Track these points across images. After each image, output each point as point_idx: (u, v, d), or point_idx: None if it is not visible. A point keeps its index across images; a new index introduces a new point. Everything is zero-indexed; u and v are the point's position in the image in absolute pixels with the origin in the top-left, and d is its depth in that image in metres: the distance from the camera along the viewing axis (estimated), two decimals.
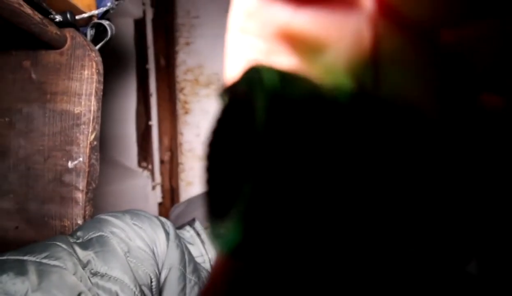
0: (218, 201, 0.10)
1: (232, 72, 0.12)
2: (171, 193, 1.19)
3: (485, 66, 0.10)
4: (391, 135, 0.09)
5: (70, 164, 0.53)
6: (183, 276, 0.44)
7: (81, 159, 0.53)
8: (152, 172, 1.17)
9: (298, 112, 0.09)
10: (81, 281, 0.36)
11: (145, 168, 1.17)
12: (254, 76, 0.09)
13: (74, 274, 0.36)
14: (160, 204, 1.19)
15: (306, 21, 0.11)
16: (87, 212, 0.54)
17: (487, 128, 0.10)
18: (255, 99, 0.09)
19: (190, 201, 0.82)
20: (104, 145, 0.88)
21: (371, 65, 0.10)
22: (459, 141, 0.10)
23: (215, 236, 0.09)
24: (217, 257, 0.12)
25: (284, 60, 0.11)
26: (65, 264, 0.37)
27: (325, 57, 0.11)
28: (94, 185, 0.54)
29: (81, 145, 0.53)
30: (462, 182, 0.10)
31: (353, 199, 0.09)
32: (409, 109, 0.10)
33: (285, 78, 0.09)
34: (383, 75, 0.10)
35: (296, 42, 0.11)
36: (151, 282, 0.41)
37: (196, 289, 0.44)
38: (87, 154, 0.53)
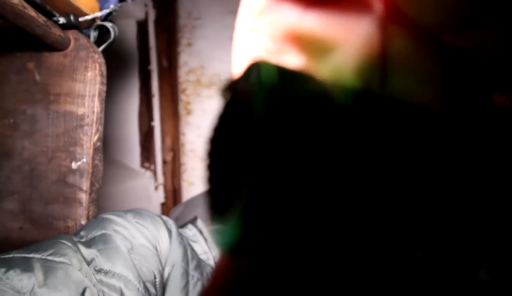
0: (220, 198, 0.10)
1: (239, 70, 0.12)
2: (173, 193, 1.19)
3: (491, 67, 0.10)
4: (396, 135, 0.09)
5: (74, 165, 0.54)
6: (186, 272, 0.44)
7: (84, 160, 0.53)
8: (154, 173, 1.17)
9: (297, 110, 0.09)
10: (86, 276, 0.37)
11: (147, 168, 1.17)
12: (253, 73, 0.09)
13: (79, 270, 0.37)
14: (162, 204, 1.19)
15: (315, 22, 0.11)
16: (90, 213, 0.54)
17: (495, 127, 0.10)
18: (254, 96, 0.09)
19: (188, 203, 0.82)
20: (107, 146, 0.89)
21: (379, 68, 0.10)
22: (467, 140, 0.10)
23: (216, 233, 0.10)
24: (220, 255, 0.12)
25: (292, 60, 0.11)
26: (70, 261, 0.37)
27: (333, 58, 0.11)
28: (97, 186, 0.55)
29: (84, 146, 0.54)
30: (471, 183, 0.10)
31: (351, 196, 0.09)
32: (416, 110, 0.10)
33: (285, 75, 0.09)
34: (391, 77, 0.10)
35: (304, 42, 0.11)
36: (155, 278, 0.42)
37: (199, 285, 0.45)
38: (91, 155, 0.53)
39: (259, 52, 0.12)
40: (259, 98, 0.09)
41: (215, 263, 0.51)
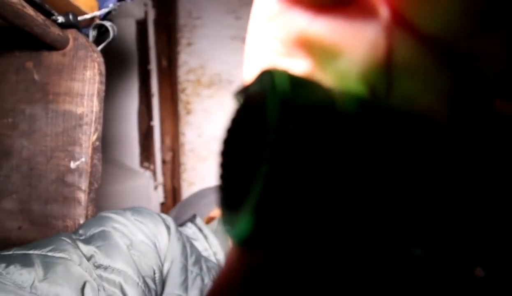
0: (231, 194, 0.11)
1: (250, 72, 0.13)
2: (173, 193, 1.19)
3: (498, 74, 0.10)
4: (400, 143, 0.10)
5: (73, 165, 0.54)
6: (185, 268, 0.45)
7: (83, 159, 0.53)
8: (154, 172, 1.17)
9: (307, 117, 0.09)
10: (86, 271, 0.37)
11: (147, 168, 1.17)
12: (267, 79, 0.09)
13: (79, 265, 0.37)
14: (162, 204, 1.19)
15: (323, 28, 0.11)
16: (89, 212, 0.54)
17: (500, 134, 0.10)
18: (267, 102, 0.09)
19: (182, 204, 0.82)
20: (106, 145, 0.89)
21: (385, 73, 0.10)
22: (473, 147, 0.10)
23: (228, 227, 0.10)
24: (231, 247, 0.12)
25: (300, 64, 0.12)
26: (70, 256, 0.37)
27: (340, 63, 0.11)
28: (96, 185, 0.55)
29: (83, 146, 0.54)
30: (475, 188, 0.10)
31: (357, 197, 0.09)
32: (421, 118, 0.10)
33: (297, 83, 0.09)
34: (396, 83, 0.10)
35: (313, 47, 0.11)
36: (154, 274, 0.42)
37: (198, 280, 0.45)
38: (89, 155, 0.53)
39: (269, 56, 0.12)
40: (272, 104, 0.09)
41: (217, 259, 0.51)
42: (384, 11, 0.10)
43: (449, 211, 0.10)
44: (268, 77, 0.09)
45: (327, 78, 0.11)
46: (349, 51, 0.11)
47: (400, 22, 0.10)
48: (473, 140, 0.10)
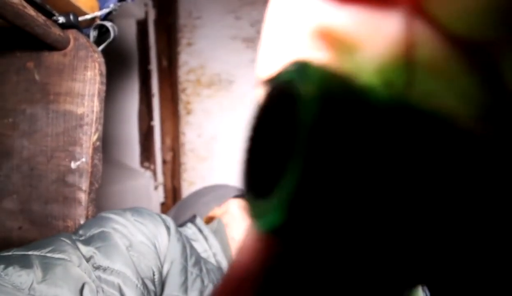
0: (258, 182, 0.11)
1: (267, 63, 0.12)
2: (173, 193, 1.19)
3: None
4: (421, 143, 0.10)
5: (73, 165, 0.54)
6: (185, 269, 0.45)
7: (84, 159, 0.53)
8: (154, 172, 1.17)
9: (343, 111, 0.09)
10: (85, 273, 0.37)
11: (147, 168, 1.17)
12: (300, 70, 0.09)
13: (78, 267, 0.37)
14: (162, 204, 1.19)
15: (345, 19, 0.11)
16: (89, 213, 0.54)
17: None
18: (299, 93, 0.09)
19: (180, 204, 0.82)
20: (106, 145, 0.89)
21: (405, 69, 0.10)
22: (499, 155, 0.10)
23: (254, 215, 0.10)
24: (248, 237, 0.12)
25: (320, 56, 0.11)
26: (70, 257, 0.37)
27: (359, 56, 0.11)
28: (96, 186, 0.55)
29: (84, 146, 0.54)
30: (495, 197, 0.10)
31: (380, 197, 0.09)
32: (443, 120, 0.10)
33: (329, 76, 0.09)
34: (418, 80, 0.10)
35: (333, 39, 0.11)
36: (154, 275, 0.42)
37: (198, 282, 0.45)
38: (90, 155, 0.53)
39: (288, 48, 0.12)
40: (306, 96, 0.09)
41: (217, 259, 0.51)
42: (406, 4, 0.10)
43: (465, 214, 0.10)
44: (301, 67, 0.09)
45: (346, 72, 0.11)
46: (368, 44, 0.10)
47: (423, 16, 0.10)
48: (499, 148, 0.10)
